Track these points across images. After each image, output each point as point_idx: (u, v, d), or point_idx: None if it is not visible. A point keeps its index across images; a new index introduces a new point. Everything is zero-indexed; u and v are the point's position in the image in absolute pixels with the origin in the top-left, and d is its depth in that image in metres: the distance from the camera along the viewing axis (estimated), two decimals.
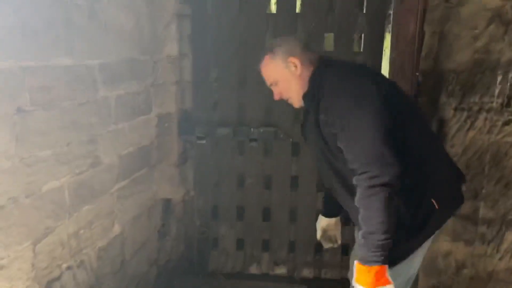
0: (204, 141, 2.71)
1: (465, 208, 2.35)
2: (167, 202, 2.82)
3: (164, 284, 2.75)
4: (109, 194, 2.08)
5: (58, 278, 1.72)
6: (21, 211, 1.49)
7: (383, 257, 1.36)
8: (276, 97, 1.70)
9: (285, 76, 1.62)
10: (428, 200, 1.53)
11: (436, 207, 1.52)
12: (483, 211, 2.33)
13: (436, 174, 1.57)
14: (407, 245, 1.53)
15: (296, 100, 1.66)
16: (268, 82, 1.69)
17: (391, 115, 1.43)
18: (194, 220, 2.94)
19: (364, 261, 1.39)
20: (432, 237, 1.60)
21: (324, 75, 1.55)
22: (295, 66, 1.60)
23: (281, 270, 2.93)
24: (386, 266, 1.39)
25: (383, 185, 1.34)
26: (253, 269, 2.95)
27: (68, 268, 1.79)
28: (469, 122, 2.27)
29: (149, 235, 2.60)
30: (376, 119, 1.39)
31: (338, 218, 2.02)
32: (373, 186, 1.35)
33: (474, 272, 2.41)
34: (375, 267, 1.37)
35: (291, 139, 2.68)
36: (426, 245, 1.62)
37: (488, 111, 2.25)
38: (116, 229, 2.18)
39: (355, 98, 1.43)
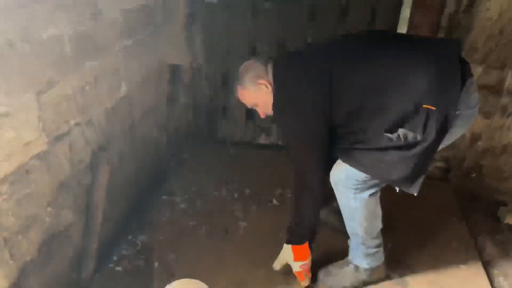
0: (214, 0, 2.47)
1: (490, 78, 2.23)
2: (175, 69, 2.69)
3: (173, 149, 2.76)
4: (113, 52, 1.94)
5: (67, 133, 1.67)
6: (20, 58, 1.37)
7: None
8: (262, 116, 1.79)
9: (261, 98, 1.71)
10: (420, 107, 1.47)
11: (433, 108, 1.45)
12: (510, 81, 2.20)
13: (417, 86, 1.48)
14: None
15: None
16: (249, 107, 1.80)
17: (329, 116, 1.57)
18: (203, 88, 2.84)
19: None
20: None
21: (275, 89, 1.67)
22: (266, 86, 1.68)
23: None
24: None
25: (306, 189, 1.68)
26: (262, 139, 2.94)
27: (77, 124, 1.73)
28: None
29: (157, 100, 2.52)
30: (307, 143, 1.63)
31: None
32: (298, 187, 1.70)
33: (489, 145, 2.38)
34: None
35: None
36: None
37: None
38: (123, 90, 2.09)
39: (290, 126, 1.64)
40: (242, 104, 1.81)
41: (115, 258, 1.93)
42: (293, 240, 1.79)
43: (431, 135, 1.47)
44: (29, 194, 1.49)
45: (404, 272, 1.92)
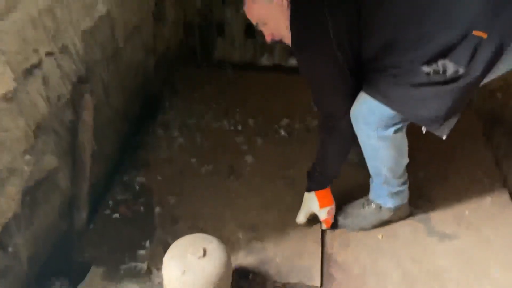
0: None
1: None
2: None
3: (163, 75, 2.46)
4: None
5: (38, 65, 1.37)
6: None
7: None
8: (268, 38, 1.50)
9: (273, 14, 1.42)
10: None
11: (484, 36, 1.19)
12: None
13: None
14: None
15: (289, 38, 1.42)
16: (255, 24, 1.49)
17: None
18: (194, 2, 2.45)
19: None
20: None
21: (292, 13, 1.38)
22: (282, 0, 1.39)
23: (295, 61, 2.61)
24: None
25: (333, 132, 1.49)
26: (264, 60, 2.63)
27: (48, 54, 1.42)
28: None
29: (142, 18, 2.16)
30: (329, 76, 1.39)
31: None
32: (325, 131, 1.51)
33: None
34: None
35: None
36: None
37: None
38: (101, 8, 1.73)
39: (309, 56, 1.38)
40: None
41: (110, 203, 1.73)
42: (315, 186, 1.61)
43: (477, 68, 1.20)
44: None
45: (427, 208, 1.77)
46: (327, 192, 1.61)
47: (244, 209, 1.73)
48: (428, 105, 1.30)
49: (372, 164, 1.57)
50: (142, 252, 1.55)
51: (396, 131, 1.42)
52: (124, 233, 1.62)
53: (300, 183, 1.82)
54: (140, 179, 1.84)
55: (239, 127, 2.16)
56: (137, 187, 1.81)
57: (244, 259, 1.54)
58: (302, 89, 2.42)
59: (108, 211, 1.70)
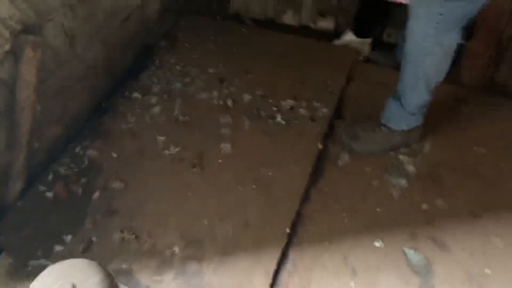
0: None
1: None
2: None
3: (169, 23, 2.10)
4: None
5: None
6: None
7: None
8: None
9: None
10: None
11: None
12: None
13: None
14: None
15: None
16: None
17: None
18: None
19: None
20: None
21: None
22: None
23: (327, 24, 2.10)
24: None
25: None
26: (288, 18, 2.14)
27: None
28: None
29: None
30: None
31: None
32: None
33: None
34: None
35: None
36: None
37: None
38: None
39: None
40: None
41: (50, 177, 1.50)
42: None
43: None
44: None
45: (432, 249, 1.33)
46: None
47: (195, 215, 1.40)
48: None
49: (411, 71, 1.50)
50: (59, 248, 1.31)
51: (453, 39, 1.40)
52: (50, 218, 1.39)
53: (273, 192, 1.45)
54: (92, 152, 1.57)
55: (229, 103, 1.77)
56: (86, 162, 1.55)
57: (168, 284, 1.24)
58: (325, 62, 1.95)
59: (43, 187, 1.47)
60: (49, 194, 1.45)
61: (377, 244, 1.35)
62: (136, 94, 1.79)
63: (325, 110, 1.74)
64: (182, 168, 1.54)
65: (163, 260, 1.29)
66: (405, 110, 1.57)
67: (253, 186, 1.48)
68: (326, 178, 1.55)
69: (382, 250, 1.34)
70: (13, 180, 1.44)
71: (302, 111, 1.74)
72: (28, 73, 1.38)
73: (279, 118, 1.71)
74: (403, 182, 1.54)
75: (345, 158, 1.62)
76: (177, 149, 1.59)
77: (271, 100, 1.78)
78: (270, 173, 1.52)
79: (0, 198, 1.43)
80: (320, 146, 1.61)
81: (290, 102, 1.77)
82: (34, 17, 1.38)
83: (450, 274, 1.28)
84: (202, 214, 1.41)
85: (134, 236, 1.34)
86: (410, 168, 1.59)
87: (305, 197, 1.47)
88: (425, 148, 1.66)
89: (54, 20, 1.47)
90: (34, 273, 1.22)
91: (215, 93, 1.80)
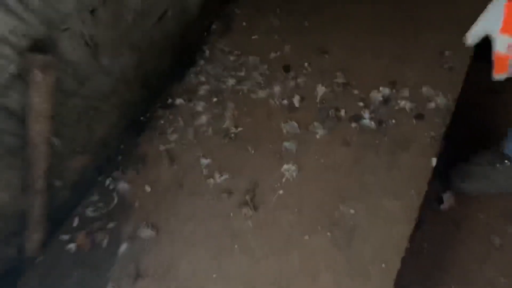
0: None
1: None
2: None
3: (213, 12, 1.64)
4: None
5: None
6: None
7: None
8: None
9: None
10: None
11: None
12: None
13: None
14: None
15: None
16: None
17: None
18: None
19: None
20: None
21: None
22: None
23: None
24: None
25: None
26: None
27: None
28: None
29: None
30: None
31: None
32: None
33: None
34: None
35: None
36: None
37: None
38: None
39: None
40: None
41: (75, 223, 1.21)
42: None
43: None
44: None
45: None
46: None
47: (241, 279, 0.98)
48: None
49: None
50: None
51: None
52: (69, 280, 1.10)
53: (358, 244, 0.95)
54: (123, 186, 1.24)
55: (296, 101, 1.26)
56: (116, 199, 1.22)
57: None
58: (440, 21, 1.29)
59: (66, 236, 1.19)
60: (71, 246, 1.16)
61: None
62: (179, 101, 1.40)
63: (441, 99, 1.13)
64: (228, 207, 1.11)
65: None
66: None
67: (327, 235, 0.99)
68: (425, 232, 1.04)
69: None
70: (30, 230, 1.19)
71: (402, 103, 1.16)
72: (39, 101, 1.08)
73: (366, 118, 1.16)
74: None
75: (450, 200, 1.10)
76: (224, 177, 1.17)
77: (356, 91, 1.23)
78: (353, 212, 1.01)
79: (20, 253, 1.20)
80: (434, 162, 1.03)
81: (384, 91, 1.19)
82: (44, 28, 1.06)
83: None
84: (251, 280, 0.98)
85: None
86: None
87: None
88: None
89: (70, 29, 1.13)
90: None
91: (277, 89, 1.32)
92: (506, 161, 1.22)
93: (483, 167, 1.24)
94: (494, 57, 0.93)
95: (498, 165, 1.22)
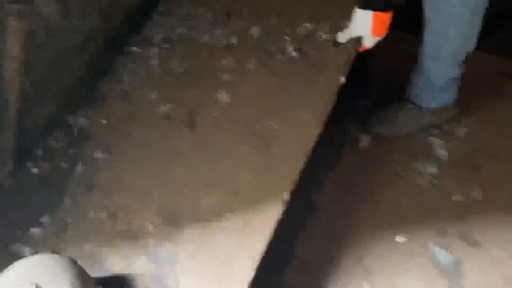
0: None
1: None
2: None
3: None
4: None
5: None
6: None
7: None
8: None
9: None
10: None
11: None
12: None
13: None
14: None
15: None
16: None
17: None
18: None
19: None
20: None
21: None
22: None
23: None
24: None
25: None
26: None
27: None
28: None
29: None
30: None
31: None
32: None
33: None
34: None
35: None
36: None
37: None
38: None
39: None
40: None
41: (40, 152, 1.37)
42: (376, 3, 1.15)
43: None
44: None
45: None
46: (387, 17, 1.16)
47: (178, 186, 1.14)
48: None
49: (433, 42, 1.34)
50: (35, 231, 1.18)
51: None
52: (32, 197, 1.26)
53: (275, 149, 1.11)
54: (83, 121, 1.40)
55: (233, 41, 1.42)
56: (75, 132, 1.38)
57: (138, 271, 1.02)
58: None
59: (31, 163, 1.34)
60: (35, 170, 1.32)
61: (399, 240, 1.12)
62: (136, 49, 1.56)
63: None
64: (171, 129, 1.28)
65: (135, 243, 1.07)
66: (435, 85, 1.39)
67: (251, 144, 1.16)
68: (344, 164, 1.33)
69: (405, 248, 1.12)
70: (2, 161, 1.35)
71: (323, 36, 1.32)
72: (13, 46, 1.23)
73: (290, 49, 1.32)
74: (433, 169, 1.36)
75: (366, 141, 1.36)
76: (169, 106, 1.33)
77: (286, 29, 1.39)
78: (275, 126, 1.17)
79: None
80: (342, 80, 1.19)
81: (308, 26, 1.35)
82: None
83: (484, 277, 1.08)
84: (187, 182, 1.14)
85: (109, 214, 1.15)
86: (442, 153, 1.39)
87: (318, 186, 1.27)
88: (460, 130, 1.45)
89: None
90: (13, 260, 1.12)
91: (219, 31, 1.47)
92: (409, 105, 1.44)
93: (393, 112, 1.46)
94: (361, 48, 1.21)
95: (404, 109, 1.45)
